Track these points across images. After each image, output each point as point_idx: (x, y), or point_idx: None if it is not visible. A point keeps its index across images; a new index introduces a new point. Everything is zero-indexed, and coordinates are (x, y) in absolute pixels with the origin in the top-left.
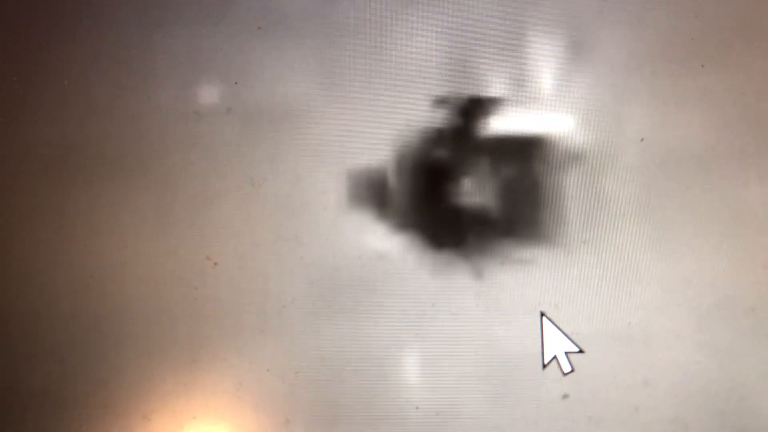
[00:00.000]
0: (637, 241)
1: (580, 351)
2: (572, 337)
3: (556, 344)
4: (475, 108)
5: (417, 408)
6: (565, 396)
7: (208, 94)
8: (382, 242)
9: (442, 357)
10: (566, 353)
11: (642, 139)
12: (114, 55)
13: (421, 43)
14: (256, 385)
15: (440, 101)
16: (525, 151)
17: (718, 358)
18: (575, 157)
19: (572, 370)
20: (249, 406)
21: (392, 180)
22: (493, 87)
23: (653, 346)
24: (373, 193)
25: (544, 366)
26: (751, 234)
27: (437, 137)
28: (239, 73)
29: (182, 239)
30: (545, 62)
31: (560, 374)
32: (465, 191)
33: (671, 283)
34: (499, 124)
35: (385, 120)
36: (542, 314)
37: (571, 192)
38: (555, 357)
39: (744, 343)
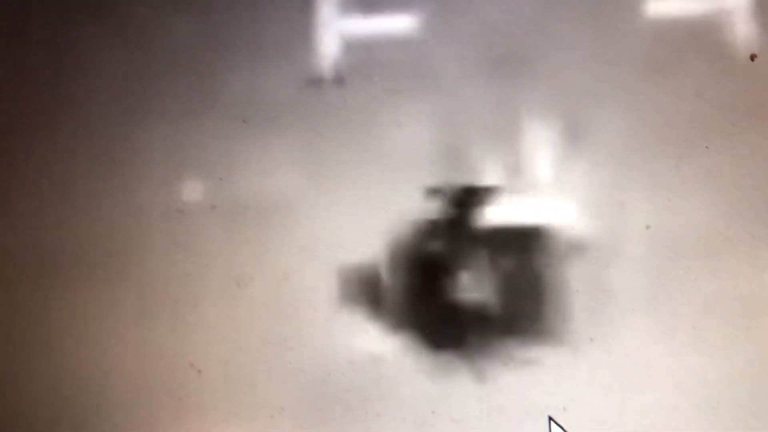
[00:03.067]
0: (647, 337)
1: None
2: None
3: None
4: (470, 198)
5: None
6: None
7: (192, 191)
8: (376, 344)
9: None
10: None
11: (647, 227)
12: (94, 152)
13: (411, 132)
14: None
15: (433, 191)
16: (524, 242)
17: None
18: (578, 247)
19: None
20: None
21: (385, 276)
22: (488, 175)
23: None
24: (365, 290)
25: None
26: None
27: (431, 229)
28: (224, 168)
29: (164, 345)
30: (541, 148)
31: None
32: (463, 286)
33: (686, 382)
34: (496, 215)
35: (377, 212)
36: (550, 419)
37: (575, 285)
38: None
39: None
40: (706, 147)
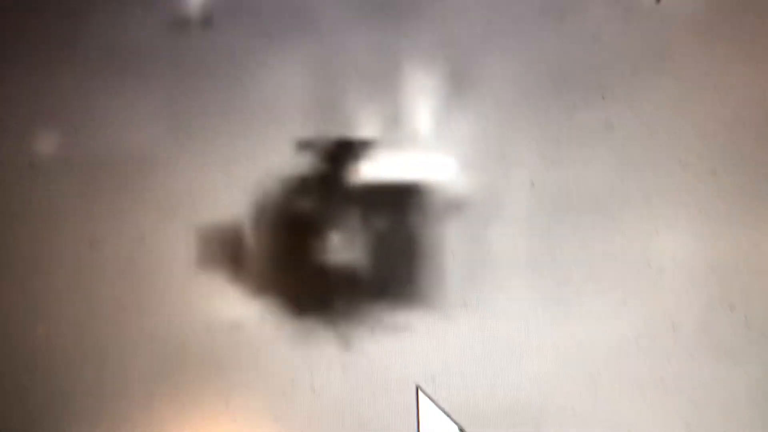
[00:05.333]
0: (527, 302)
1: (462, 431)
2: (452, 415)
3: (434, 424)
4: (344, 152)
5: None
6: None
7: (46, 144)
8: (236, 309)
9: None
10: None
11: (533, 183)
12: None
13: (283, 80)
14: None
15: (305, 145)
16: (400, 200)
17: None
18: (456, 206)
19: None
20: None
21: (249, 236)
22: (364, 127)
23: (547, 424)
24: (226, 252)
25: None
26: (660, 292)
27: (301, 186)
28: (80, 118)
29: (12, 308)
30: (422, 98)
31: None
32: (332, 248)
33: (567, 350)
34: (371, 170)
35: (242, 168)
36: (418, 389)
37: (452, 246)
38: None
39: (651, 419)
40: (603, 97)
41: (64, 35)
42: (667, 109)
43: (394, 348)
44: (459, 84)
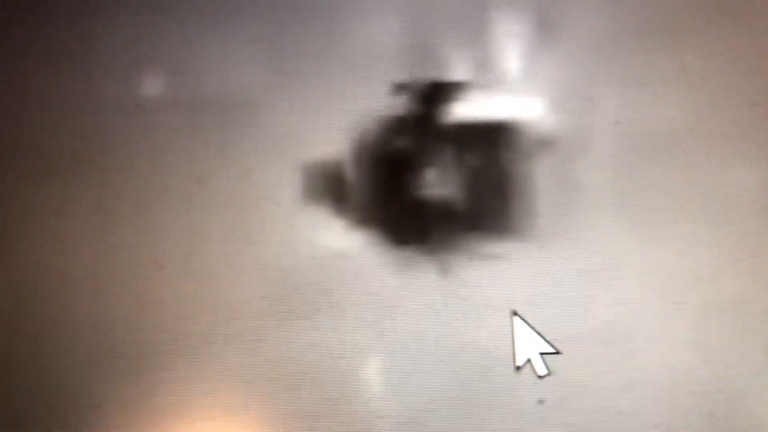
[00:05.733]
0: (615, 233)
1: (557, 352)
2: (547, 337)
3: (530, 345)
4: (437, 93)
5: (382, 418)
6: (541, 401)
7: (152, 86)
8: (340, 240)
9: (407, 362)
10: (541, 355)
11: (617, 122)
12: (51, 45)
13: (378, 25)
14: (207, 398)
15: (400, 87)
16: (491, 138)
17: (706, 357)
18: (545, 143)
19: (548, 374)
20: (198, 420)
21: (350, 173)
22: (456, 71)
23: (636, 345)
24: (329, 187)
25: (518, 369)
26: (738, 221)
27: (397, 126)
28: (185, 62)
29: (125, 241)
30: (511, 43)
31: (535, 378)
32: (428, 183)
33: (653, 276)
34: (463, 110)
35: (341, 108)
36: (514, 313)
37: (542, 181)
38: (529, 359)
39: (733, 341)
40: (679, 42)
41: None
42: (738, 53)
43: (490, 275)
44: (544, 28)
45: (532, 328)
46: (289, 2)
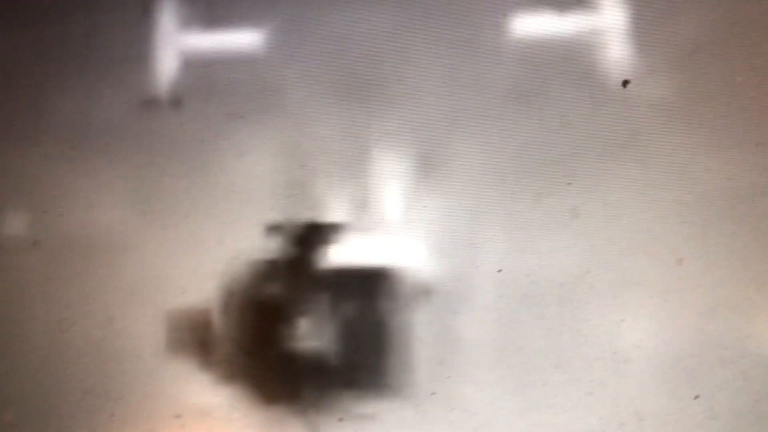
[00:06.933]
0: (495, 393)
1: None
2: None
3: None
4: (313, 235)
5: None
6: None
7: (12, 225)
8: (205, 397)
9: None
10: None
11: (499, 270)
12: None
13: (253, 162)
14: None
15: (273, 228)
16: (369, 285)
17: None
18: (425, 292)
19: None
20: None
21: (217, 322)
22: (333, 211)
23: None
24: (194, 337)
25: None
26: (625, 381)
27: (270, 270)
28: (48, 199)
29: None
30: (391, 182)
31: None
32: (301, 334)
33: None
34: (340, 255)
35: (211, 251)
36: None
37: (420, 333)
38: None
39: None
40: (569, 183)
41: (32, 112)
42: (633, 196)
43: None
44: (427, 168)
45: None
46: (158, 138)
